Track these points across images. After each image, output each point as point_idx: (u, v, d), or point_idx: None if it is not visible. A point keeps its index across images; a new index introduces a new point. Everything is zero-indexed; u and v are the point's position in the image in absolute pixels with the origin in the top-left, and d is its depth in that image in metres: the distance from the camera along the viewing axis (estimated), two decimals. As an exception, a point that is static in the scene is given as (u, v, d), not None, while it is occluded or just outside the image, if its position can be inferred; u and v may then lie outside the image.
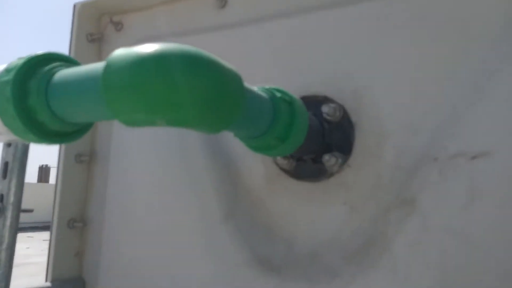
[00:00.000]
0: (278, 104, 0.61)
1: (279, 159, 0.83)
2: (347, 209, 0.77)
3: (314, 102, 0.84)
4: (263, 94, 0.60)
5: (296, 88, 0.85)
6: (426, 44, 0.75)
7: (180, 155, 0.91)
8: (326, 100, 0.83)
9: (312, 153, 0.79)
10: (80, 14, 1.09)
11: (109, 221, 1.03)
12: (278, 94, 0.62)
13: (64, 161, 1.04)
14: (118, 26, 1.11)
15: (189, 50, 0.46)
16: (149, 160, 0.96)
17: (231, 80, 0.49)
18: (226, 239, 0.86)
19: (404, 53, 0.76)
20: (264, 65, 0.90)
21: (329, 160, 0.77)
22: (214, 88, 0.46)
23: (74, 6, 1.09)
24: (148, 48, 0.45)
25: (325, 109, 0.79)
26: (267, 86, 0.64)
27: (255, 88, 0.59)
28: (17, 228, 0.89)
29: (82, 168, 1.07)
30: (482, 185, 0.66)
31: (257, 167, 0.86)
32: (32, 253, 6.50)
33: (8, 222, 0.88)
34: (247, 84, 0.57)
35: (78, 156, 1.06)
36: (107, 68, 0.45)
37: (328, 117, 0.81)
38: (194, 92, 0.44)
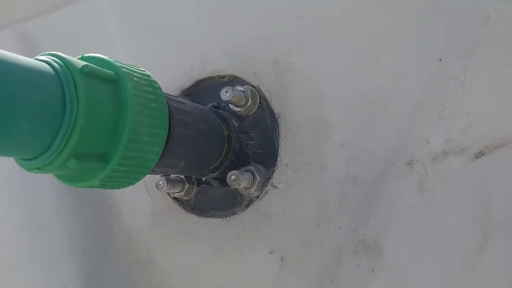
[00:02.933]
0: (78, 85, 0.29)
1: (169, 185, 0.51)
2: (276, 261, 0.45)
3: (217, 87, 0.53)
4: (37, 67, 0.29)
5: (188, 66, 0.53)
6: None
7: (22, 192, 0.58)
8: (234, 81, 0.52)
9: (208, 170, 0.47)
10: None
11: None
12: (79, 65, 0.30)
13: None
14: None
15: None
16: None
17: None
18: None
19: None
20: (136, 34, 0.58)
21: (236, 179, 0.45)
22: None
23: None
24: None
25: (226, 95, 0.47)
26: (61, 55, 0.32)
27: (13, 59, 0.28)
28: None
29: None
30: (499, 208, 0.35)
31: (138, 201, 0.54)
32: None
33: None
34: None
35: None
36: None
37: (235, 109, 0.50)
38: None
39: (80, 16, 0.66)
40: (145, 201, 0.54)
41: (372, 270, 0.38)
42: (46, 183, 0.57)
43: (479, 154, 0.34)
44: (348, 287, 0.39)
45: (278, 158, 0.47)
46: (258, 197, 0.48)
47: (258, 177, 0.47)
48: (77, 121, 0.29)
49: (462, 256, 0.34)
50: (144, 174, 0.36)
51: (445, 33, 0.39)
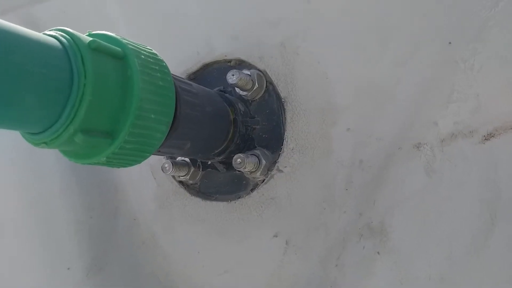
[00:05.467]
0: (85, 59, 0.29)
1: (174, 169, 0.51)
2: (280, 244, 0.45)
3: (223, 71, 0.52)
4: (45, 42, 0.29)
5: (194, 49, 0.53)
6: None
7: (28, 174, 0.58)
8: (241, 65, 0.52)
9: (214, 154, 0.47)
10: None
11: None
12: (86, 41, 0.30)
13: None
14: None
15: None
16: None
17: None
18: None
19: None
20: (141, 19, 0.58)
21: (242, 163, 0.45)
22: None
23: None
24: None
25: (232, 79, 0.47)
26: (67, 29, 0.32)
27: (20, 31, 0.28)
28: None
29: None
30: (508, 191, 0.34)
31: (143, 184, 0.54)
32: None
33: None
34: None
35: None
36: None
37: (241, 93, 0.50)
38: None
39: (84, 0, 0.66)
40: (150, 184, 0.54)
41: (378, 253, 0.37)
42: (52, 164, 0.57)
43: (488, 137, 0.34)
44: (353, 270, 0.39)
45: (284, 142, 0.47)
46: (263, 181, 0.48)
47: (263, 161, 0.47)
48: (85, 96, 0.29)
49: (469, 239, 0.34)
50: (150, 153, 0.36)
51: (454, 16, 0.39)
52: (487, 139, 0.34)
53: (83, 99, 0.29)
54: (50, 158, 0.57)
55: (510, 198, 0.33)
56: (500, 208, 0.33)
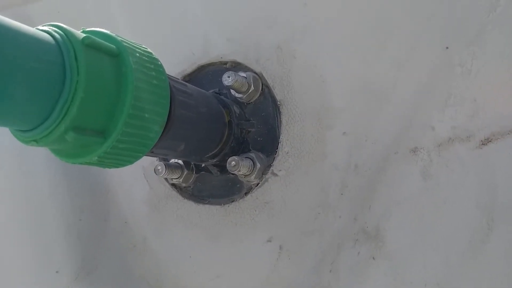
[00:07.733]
0: (79, 55, 0.29)
1: (167, 171, 0.50)
2: (274, 249, 0.45)
3: (219, 73, 0.52)
4: (37, 36, 0.28)
5: (190, 51, 0.53)
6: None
7: (17, 175, 0.57)
8: (237, 67, 0.51)
9: (208, 156, 0.47)
10: None
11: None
12: (80, 37, 0.30)
13: None
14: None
15: None
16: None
17: None
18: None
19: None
20: (138, 18, 0.57)
21: (236, 165, 0.45)
22: None
23: None
24: None
25: (228, 80, 0.46)
26: (61, 25, 0.31)
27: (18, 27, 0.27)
28: None
29: None
30: (505, 196, 0.34)
31: (135, 186, 0.53)
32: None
33: None
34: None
35: None
36: None
37: (237, 95, 0.49)
38: None
39: (82, 0, 0.65)
40: (142, 187, 0.53)
41: (373, 258, 0.37)
42: (42, 166, 0.56)
43: (486, 141, 0.34)
44: (347, 276, 0.38)
45: (279, 146, 0.47)
46: (257, 184, 0.47)
47: (258, 164, 0.46)
48: (77, 92, 0.28)
49: (466, 244, 0.33)
50: (143, 153, 0.35)
51: (452, 20, 0.39)
52: (484, 144, 0.34)
53: (75, 96, 0.28)
54: (40, 159, 0.56)
55: (507, 203, 0.33)
56: (497, 213, 0.33)
